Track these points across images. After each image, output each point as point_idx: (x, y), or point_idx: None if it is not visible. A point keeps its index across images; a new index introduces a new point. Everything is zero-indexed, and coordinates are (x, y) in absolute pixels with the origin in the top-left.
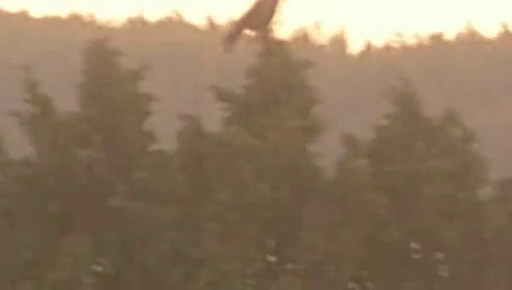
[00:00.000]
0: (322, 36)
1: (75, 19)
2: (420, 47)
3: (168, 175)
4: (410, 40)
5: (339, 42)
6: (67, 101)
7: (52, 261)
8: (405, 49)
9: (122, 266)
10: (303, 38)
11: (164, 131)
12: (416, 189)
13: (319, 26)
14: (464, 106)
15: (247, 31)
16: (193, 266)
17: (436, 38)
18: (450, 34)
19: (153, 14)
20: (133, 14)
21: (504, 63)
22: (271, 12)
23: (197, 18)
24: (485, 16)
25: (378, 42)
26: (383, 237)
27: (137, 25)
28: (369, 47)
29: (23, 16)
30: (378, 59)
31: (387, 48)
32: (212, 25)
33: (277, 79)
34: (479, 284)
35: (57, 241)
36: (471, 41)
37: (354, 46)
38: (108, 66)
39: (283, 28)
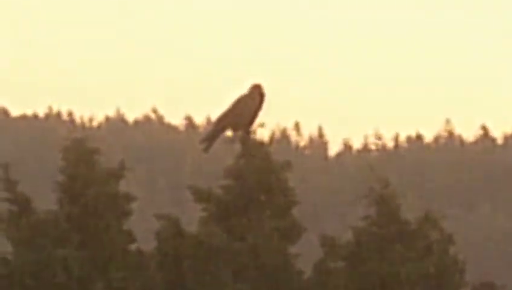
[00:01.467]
0: (301, 137)
1: (53, 116)
2: (398, 148)
3: (145, 275)
4: (389, 142)
5: (318, 143)
6: (45, 200)
7: None
8: (383, 151)
9: None
10: (283, 139)
11: (143, 231)
12: None
13: (298, 126)
14: (442, 207)
15: (227, 132)
16: None
17: (414, 140)
18: (428, 135)
19: (131, 113)
20: (111, 112)
21: (482, 165)
22: (251, 114)
23: (175, 117)
24: (463, 117)
25: (357, 143)
26: None
27: (116, 124)
28: (347, 148)
29: (2, 113)
30: (356, 160)
31: (366, 149)
32: (191, 125)
33: (256, 180)
34: None
35: None
36: (449, 143)
37: (333, 147)
38: (87, 165)
39: (263, 128)
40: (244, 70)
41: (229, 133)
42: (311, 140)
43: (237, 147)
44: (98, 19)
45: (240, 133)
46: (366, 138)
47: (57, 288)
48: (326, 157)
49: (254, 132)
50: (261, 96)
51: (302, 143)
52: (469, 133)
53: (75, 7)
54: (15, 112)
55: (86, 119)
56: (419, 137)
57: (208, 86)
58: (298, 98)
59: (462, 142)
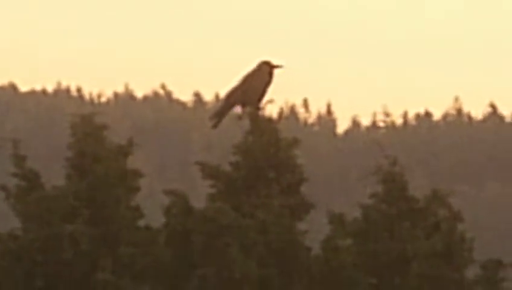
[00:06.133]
0: (310, 113)
1: (62, 92)
2: (407, 125)
3: (153, 250)
4: (397, 119)
5: (326, 120)
6: (54, 176)
7: None
8: (392, 128)
9: None
10: (291, 116)
11: (151, 207)
12: (402, 269)
13: (306, 103)
14: (450, 185)
15: (235, 108)
16: None
17: (423, 117)
18: (436, 112)
19: (140, 89)
20: (120, 88)
21: (491, 143)
22: (260, 90)
23: (184, 93)
24: (472, 94)
25: (365, 120)
26: None
27: (124, 100)
28: (356, 125)
29: (11, 89)
30: (365, 137)
31: (374, 126)
32: (199, 101)
33: (264, 156)
34: None
35: None
36: (458, 121)
37: (342, 123)
38: (95, 141)
39: (271, 105)
40: (252, 47)
41: (237, 109)
42: (319, 117)
43: (246, 123)
44: None
45: (248, 109)
46: (374, 115)
47: (65, 263)
48: (334, 134)
49: (263, 109)
50: (270, 73)
51: (310, 120)
52: (478, 110)
53: None
54: (24, 87)
55: (94, 95)
56: (427, 114)
57: (217, 62)
58: (307, 74)
59: (470, 119)
